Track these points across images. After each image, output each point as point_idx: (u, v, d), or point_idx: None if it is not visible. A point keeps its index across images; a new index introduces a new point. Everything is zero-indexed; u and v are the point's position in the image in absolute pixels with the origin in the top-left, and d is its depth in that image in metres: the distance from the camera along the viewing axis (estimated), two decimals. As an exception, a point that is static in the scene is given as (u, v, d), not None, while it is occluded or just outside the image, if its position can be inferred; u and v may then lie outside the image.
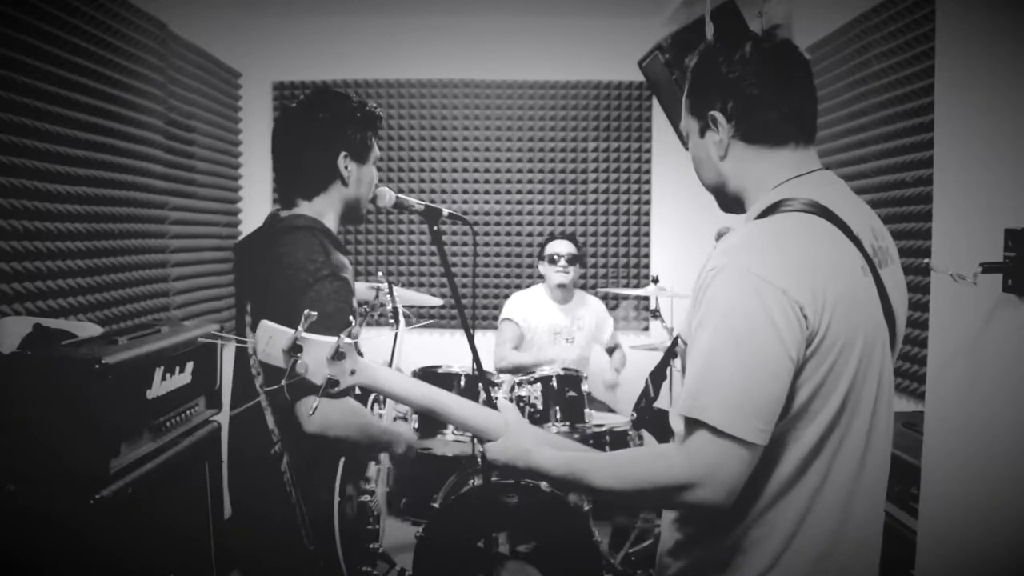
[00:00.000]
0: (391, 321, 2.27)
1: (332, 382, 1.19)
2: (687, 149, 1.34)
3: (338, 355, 1.19)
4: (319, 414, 1.50)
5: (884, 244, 1.22)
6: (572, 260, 3.73)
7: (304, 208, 1.76)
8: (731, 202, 1.28)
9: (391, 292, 2.27)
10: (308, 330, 1.46)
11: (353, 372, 1.21)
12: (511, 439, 1.23)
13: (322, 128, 1.75)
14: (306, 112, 1.77)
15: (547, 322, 3.76)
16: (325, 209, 1.77)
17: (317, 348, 1.19)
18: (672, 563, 1.22)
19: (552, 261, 3.74)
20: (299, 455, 1.64)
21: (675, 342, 1.25)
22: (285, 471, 1.63)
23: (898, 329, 1.21)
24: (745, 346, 1.02)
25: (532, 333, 3.78)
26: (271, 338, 1.19)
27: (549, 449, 1.21)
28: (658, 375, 1.44)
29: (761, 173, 1.21)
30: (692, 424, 1.04)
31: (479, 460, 2.85)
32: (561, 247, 3.75)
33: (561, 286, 3.75)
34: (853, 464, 1.11)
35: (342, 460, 1.72)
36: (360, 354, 1.27)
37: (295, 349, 1.18)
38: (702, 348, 1.06)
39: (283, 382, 1.19)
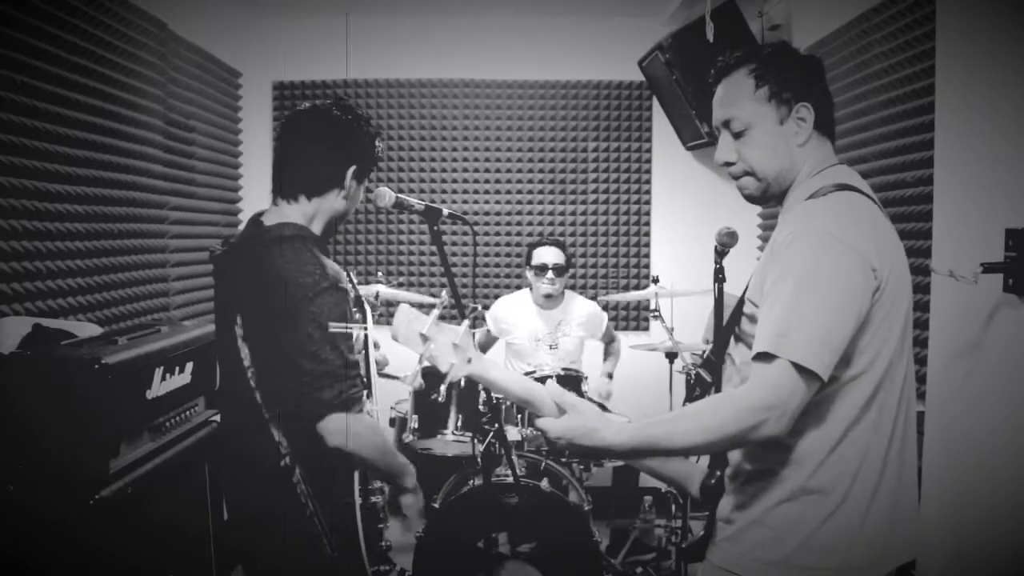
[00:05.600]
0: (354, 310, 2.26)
1: (456, 369, 1.28)
2: (734, 137, 1.41)
3: (464, 343, 1.27)
4: (343, 428, 1.55)
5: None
6: (559, 271, 3.58)
7: (295, 209, 1.73)
8: (780, 191, 1.42)
9: (352, 282, 2.24)
10: (317, 341, 1.48)
11: (470, 361, 1.32)
12: (574, 419, 1.29)
13: (345, 134, 1.75)
14: (335, 115, 1.76)
15: (528, 329, 3.66)
16: (317, 213, 1.75)
17: (447, 335, 1.27)
18: (742, 513, 1.35)
19: (539, 271, 3.58)
20: (313, 466, 1.64)
21: (739, 306, 1.40)
22: (299, 482, 1.63)
23: None
24: (823, 295, 1.21)
25: (514, 340, 3.70)
26: (410, 322, 1.27)
27: (616, 424, 1.28)
28: (711, 364, 1.56)
29: (817, 160, 1.40)
30: (771, 360, 1.20)
31: (479, 461, 2.86)
32: (549, 256, 3.59)
33: (548, 296, 3.64)
34: (893, 411, 1.30)
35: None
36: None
37: (432, 333, 1.26)
38: (786, 296, 1.22)
39: (419, 366, 1.33)
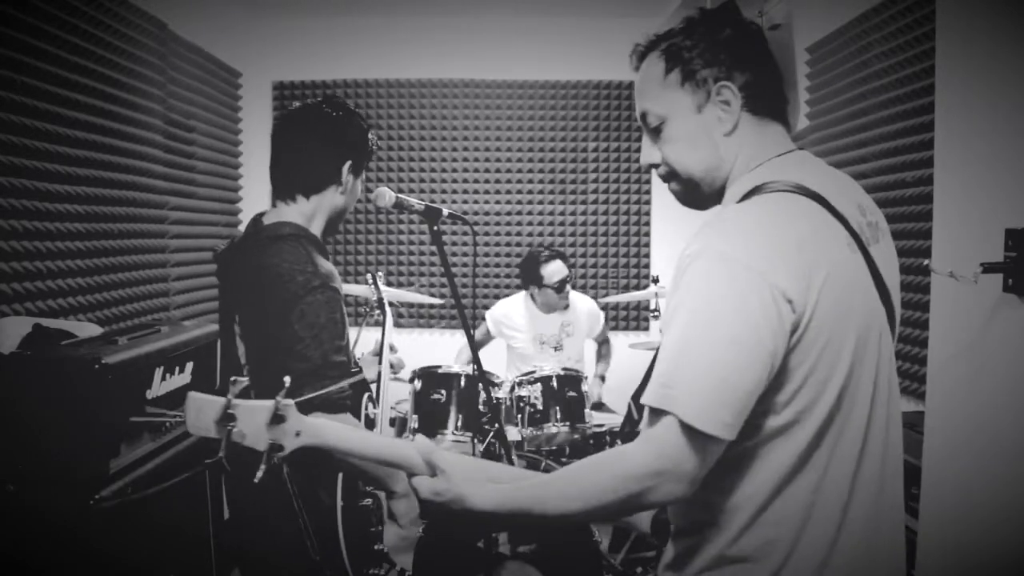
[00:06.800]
0: (377, 314, 2.28)
1: (276, 447, 1.12)
2: (653, 134, 1.21)
3: (277, 418, 1.11)
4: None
5: (873, 219, 1.17)
6: (571, 283, 3.59)
7: (294, 209, 1.74)
8: (713, 193, 1.19)
9: (376, 284, 2.29)
10: (313, 339, 1.38)
11: (299, 434, 1.13)
12: (441, 482, 1.11)
13: (338, 130, 1.75)
14: (326, 111, 1.76)
15: (532, 332, 3.66)
16: (316, 211, 1.75)
17: (253, 414, 1.11)
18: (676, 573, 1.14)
19: (558, 289, 3.52)
20: (299, 465, 1.63)
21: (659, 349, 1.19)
22: (287, 481, 1.62)
23: (895, 308, 1.16)
24: (719, 336, 0.97)
25: (517, 343, 3.69)
26: (200, 410, 1.11)
27: (485, 488, 1.09)
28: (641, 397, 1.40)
29: (756, 149, 1.15)
30: (659, 413, 0.99)
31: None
32: (562, 271, 3.54)
33: (564, 308, 3.64)
34: (851, 460, 1.05)
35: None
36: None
37: (228, 418, 1.10)
38: (674, 337, 1.00)
39: (220, 455, 1.11)
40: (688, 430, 0.96)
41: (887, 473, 1.09)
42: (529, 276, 3.60)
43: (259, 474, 1.13)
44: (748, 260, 0.98)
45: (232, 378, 1.13)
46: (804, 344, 1.00)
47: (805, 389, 1.01)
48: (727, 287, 0.98)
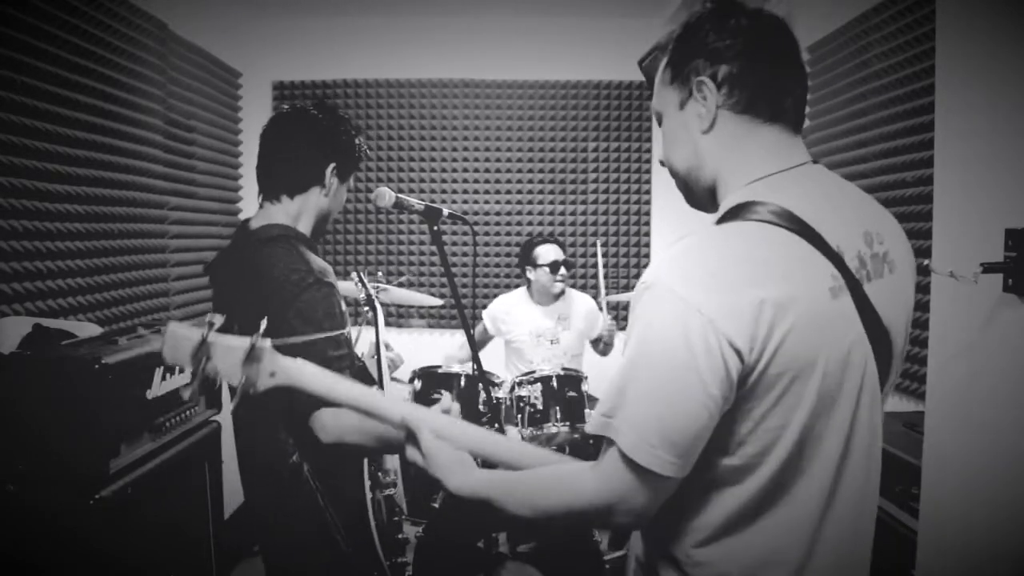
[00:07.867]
0: (367, 311, 2.29)
1: (250, 383, 1.15)
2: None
3: (253, 357, 1.14)
4: (333, 423, 1.51)
5: (882, 250, 1.09)
6: (568, 267, 3.62)
7: (280, 209, 1.74)
8: (703, 193, 1.14)
9: (363, 283, 2.29)
10: (314, 333, 1.40)
11: (273, 374, 1.17)
12: (423, 462, 1.18)
13: (324, 133, 1.76)
14: (313, 114, 1.77)
15: (529, 326, 3.67)
16: (302, 212, 1.76)
17: (229, 351, 1.13)
18: None
19: (552, 269, 3.56)
20: (320, 462, 1.64)
21: None
22: (308, 479, 1.63)
23: (894, 346, 1.08)
24: (660, 376, 0.94)
25: (514, 338, 3.70)
26: (177, 342, 1.13)
27: (464, 471, 1.14)
28: None
29: (744, 156, 1.07)
30: (608, 442, 0.98)
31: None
32: (556, 253, 3.59)
33: (559, 294, 3.64)
34: (817, 505, 1.01)
35: (366, 460, 1.73)
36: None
37: (203, 352, 1.12)
38: (622, 367, 0.98)
39: (194, 384, 1.14)
40: (631, 464, 0.95)
41: (864, 513, 1.06)
42: (525, 258, 3.67)
43: (232, 406, 1.17)
44: (698, 303, 0.92)
45: (208, 317, 1.16)
46: (757, 392, 0.95)
47: (758, 434, 0.97)
48: (671, 327, 0.93)
